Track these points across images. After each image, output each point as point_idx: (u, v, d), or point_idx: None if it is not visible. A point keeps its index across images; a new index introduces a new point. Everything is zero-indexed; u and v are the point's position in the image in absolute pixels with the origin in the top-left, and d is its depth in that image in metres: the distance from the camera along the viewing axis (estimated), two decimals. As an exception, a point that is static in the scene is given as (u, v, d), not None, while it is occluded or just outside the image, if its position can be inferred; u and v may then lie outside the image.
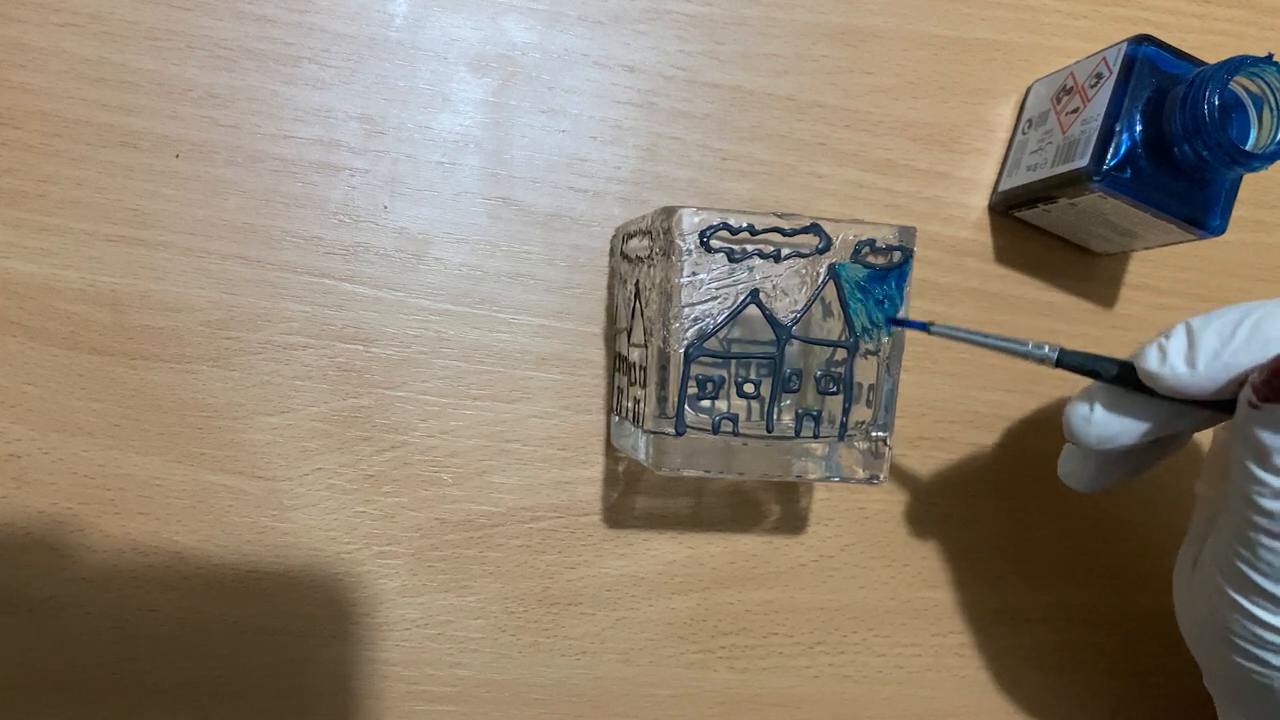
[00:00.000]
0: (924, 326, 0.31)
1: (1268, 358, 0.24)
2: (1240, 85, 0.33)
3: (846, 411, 0.31)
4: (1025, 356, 0.29)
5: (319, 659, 0.37)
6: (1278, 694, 0.27)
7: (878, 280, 0.31)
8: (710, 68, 0.38)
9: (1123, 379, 0.28)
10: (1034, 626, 0.41)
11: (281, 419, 0.36)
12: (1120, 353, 0.29)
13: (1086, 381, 0.29)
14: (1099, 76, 0.35)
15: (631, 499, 0.38)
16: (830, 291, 0.31)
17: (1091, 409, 0.28)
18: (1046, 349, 0.29)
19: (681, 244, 0.30)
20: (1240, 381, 0.25)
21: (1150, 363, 0.26)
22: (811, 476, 0.32)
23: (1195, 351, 0.25)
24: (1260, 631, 0.26)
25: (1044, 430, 0.41)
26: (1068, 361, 0.28)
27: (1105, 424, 0.28)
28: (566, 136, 0.37)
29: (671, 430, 0.31)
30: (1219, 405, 0.26)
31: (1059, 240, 0.40)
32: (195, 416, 0.36)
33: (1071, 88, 0.37)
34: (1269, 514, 0.25)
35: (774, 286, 0.31)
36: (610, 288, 0.38)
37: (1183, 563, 0.31)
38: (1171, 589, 0.42)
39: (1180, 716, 0.43)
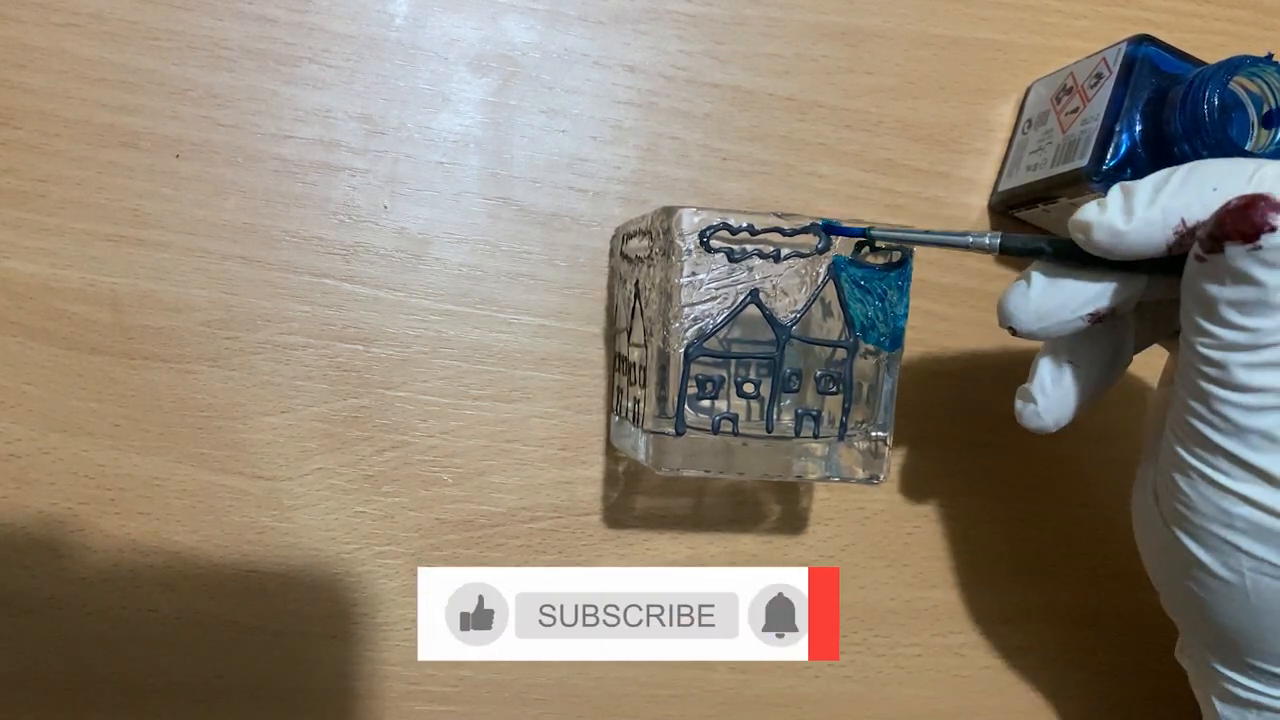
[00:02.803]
0: (863, 232, 0.30)
1: (1205, 201, 0.24)
2: (1240, 85, 0.33)
3: (846, 411, 0.31)
4: (967, 248, 0.29)
5: (319, 659, 0.37)
6: (1245, 592, 0.27)
7: (878, 280, 0.31)
8: (710, 68, 0.38)
9: (1063, 253, 0.27)
10: (1034, 626, 0.41)
11: (281, 419, 0.36)
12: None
13: None
14: (1099, 76, 0.35)
15: (631, 499, 0.38)
16: (830, 291, 0.31)
17: (1029, 284, 0.28)
18: (988, 238, 0.28)
19: (681, 244, 0.30)
20: (1178, 233, 0.25)
21: (1088, 213, 0.26)
22: (811, 476, 0.32)
23: (1131, 200, 0.25)
24: (1225, 503, 0.26)
25: (1044, 430, 0.41)
26: (1009, 245, 0.28)
27: (1043, 298, 0.27)
28: (566, 136, 0.37)
29: (671, 430, 0.31)
30: (1157, 267, 0.26)
31: (1059, 240, 0.41)
32: (195, 416, 0.36)
33: (1071, 88, 0.37)
34: (1217, 364, 0.25)
35: (774, 286, 0.31)
36: (610, 288, 0.38)
37: (1140, 484, 0.31)
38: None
39: (1180, 716, 0.43)
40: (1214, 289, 0.24)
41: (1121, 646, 0.42)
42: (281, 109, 0.36)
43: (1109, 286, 0.27)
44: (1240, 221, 0.23)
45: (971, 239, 0.29)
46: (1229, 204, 0.24)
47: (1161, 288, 0.27)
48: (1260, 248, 0.23)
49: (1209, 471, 0.26)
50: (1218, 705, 0.31)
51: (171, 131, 0.35)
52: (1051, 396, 0.29)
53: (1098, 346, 0.29)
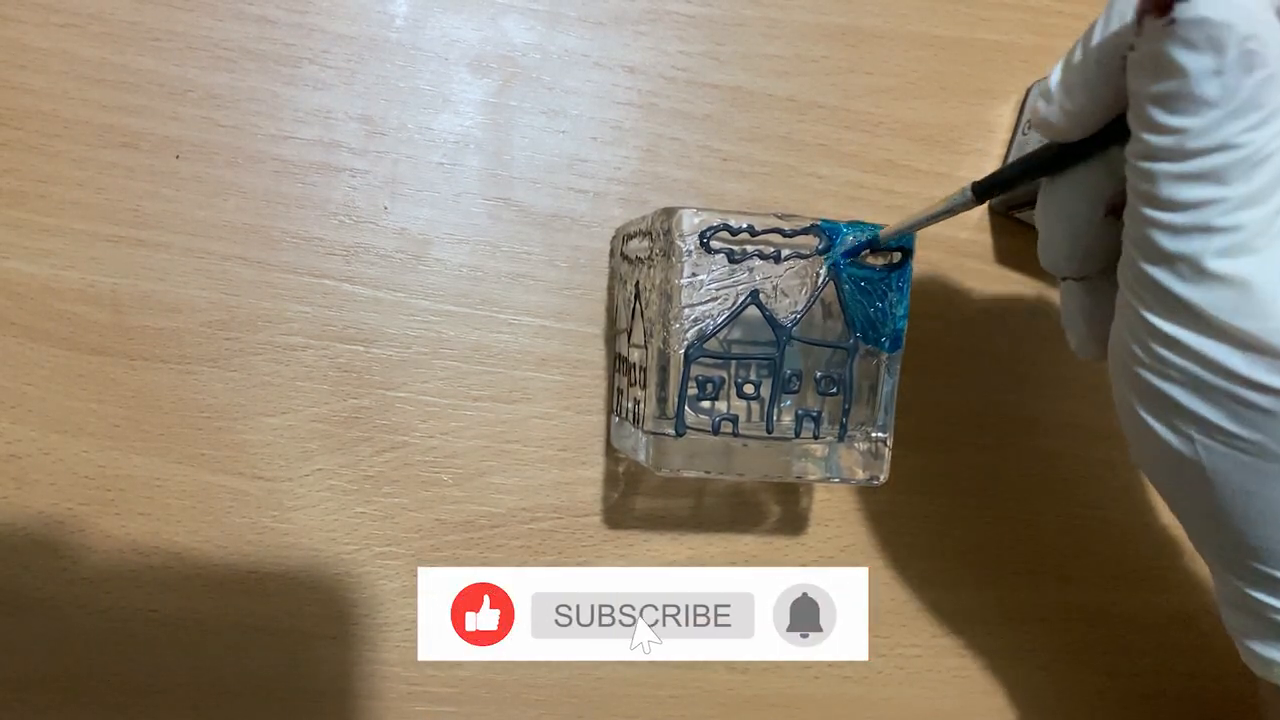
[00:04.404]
0: (874, 239, 0.30)
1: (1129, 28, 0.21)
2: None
3: (846, 412, 0.31)
4: (953, 210, 0.27)
5: (319, 659, 0.37)
6: (1201, 467, 0.23)
7: (878, 281, 0.31)
8: (710, 69, 0.38)
9: (1036, 166, 0.25)
10: (1034, 626, 0.41)
11: (281, 419, 0.36)
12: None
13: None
14: (1099, 77, 0.35)
15: (631, 499, 0.38)
16: (830, 292, 0.31)
17: (1040, 227, 0.25)
18: (960, 196, 0.27)
19: (681, 245, 0.30)
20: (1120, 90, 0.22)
21: (1039, 108, 0.23)
22: (811, 477, 0.32)
23: (1069, 70, 0.22)
24: (1159, 349, 0.22)
25: (1044, 430, 0.41)
26: (982, 188, 0.26)
27: (1053, 223, 0.25)
28: (567, 137, 0.37)
29: (671, 431, 0.31)
30: (1120, 131, 0.23)
31: (1059, 241, 0.40)
32: (195, 417, 0.36)
33: (1071, 88, 0.37)
34: (1146, 176, 0.21)
35: (774, 287, 0.31)
36: (610, 288, 0.38)
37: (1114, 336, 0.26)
38: (1171, 587, 0.42)
39: (1181, 716, 0.43)
40: (1137, 83, 0.21)
41: (1122, 646, 0.42)
42: (282, 110, 0.36)
43: (1097, 179, 0.24)
44: None
45: (954, 200, 0.27)
46: None
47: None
48: (1174, 21, 0.19)
49: (1141, 310, 0.22)
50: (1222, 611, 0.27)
51: (172, 132, 0.35)
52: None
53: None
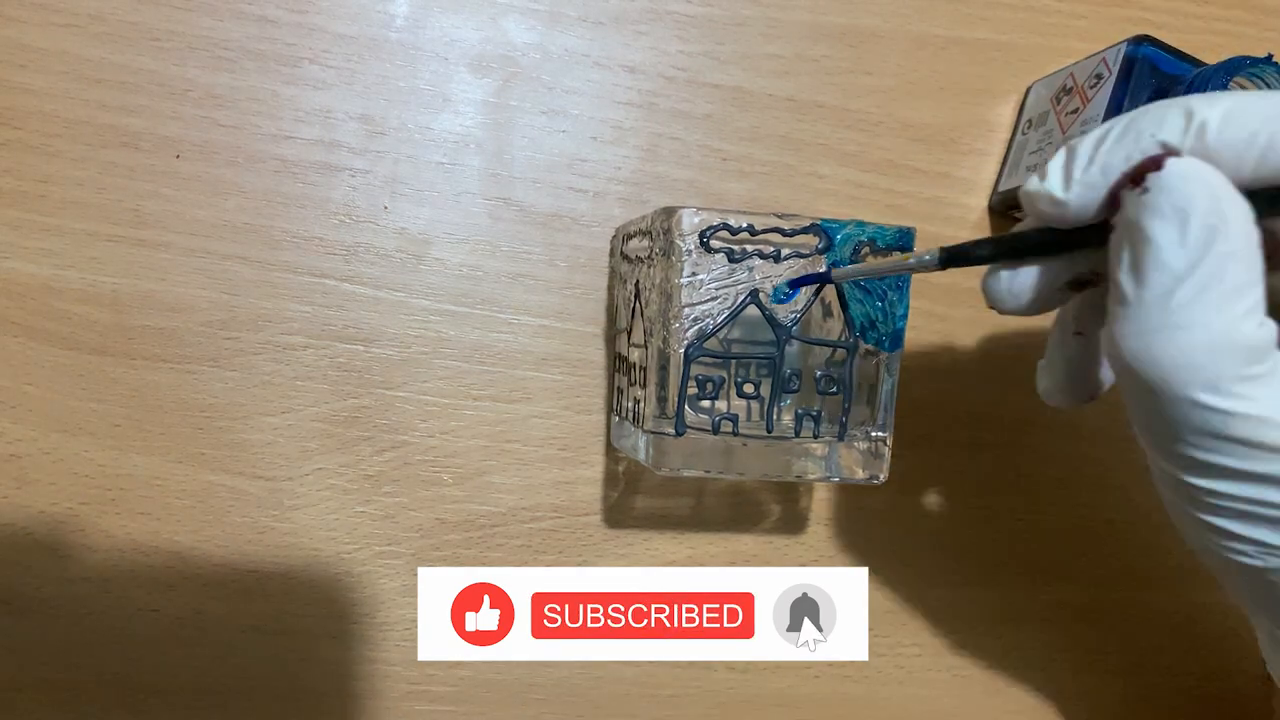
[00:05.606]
0: (826, 277, 0.30)
1: (1145, 150, 0.21)
2: (1239, 85, 0.33)
3: (846, 411, 0.31)
4: (914, 270, 0.28)
5: (319, 659, 0.37)
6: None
7: (878, 280, 0.31)
8: (710, 68, 0.38)
9: (1005, 251, 0.25)
10: (1034, 626, 0.41)
11: (282, 419, 0.36)
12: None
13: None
14: (1099, 77, 0.35)
15: (631, 499, 0.38)
16: (830, 292, 0.31)
17: (999, 276, 0.26)
18: (927, 255, 0.27)
19: (681, 244, 0.30)
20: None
21: (1030, 184, 0.24)
22: (811, 476, 0.32)
23: (1072, 162, 0.23)
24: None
25: (1044, 430, 0.41)
26: (950, 256, 0.26)
27: (1014, 278, 0.25)
28: (567, 137, 0.37)
29: (671, 430, 0.31)
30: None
31: (1059, 240, 0.40)
32: (196, 416, 0.36)
33: (1071, 88, 0.37)
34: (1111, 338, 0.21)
35: (774, 287, 0.31)
36: (610, 288, 0.38)
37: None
38: (1172, 587, 0.42)
39: (1181, 716, 0.43)
40: (1114, 249, 0.22)
41: (1121, 646, 0.42)
42: (282, 109, 0.36)
43: (1068, 262, 0.25)
44: (1141, 164, 0.21)
45: (913, 261, 0.27)
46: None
47: None
48: (1147, 190, 0.20)
49: (1179, 474, 0.23)
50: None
51: (172, 132, 0.35)
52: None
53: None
